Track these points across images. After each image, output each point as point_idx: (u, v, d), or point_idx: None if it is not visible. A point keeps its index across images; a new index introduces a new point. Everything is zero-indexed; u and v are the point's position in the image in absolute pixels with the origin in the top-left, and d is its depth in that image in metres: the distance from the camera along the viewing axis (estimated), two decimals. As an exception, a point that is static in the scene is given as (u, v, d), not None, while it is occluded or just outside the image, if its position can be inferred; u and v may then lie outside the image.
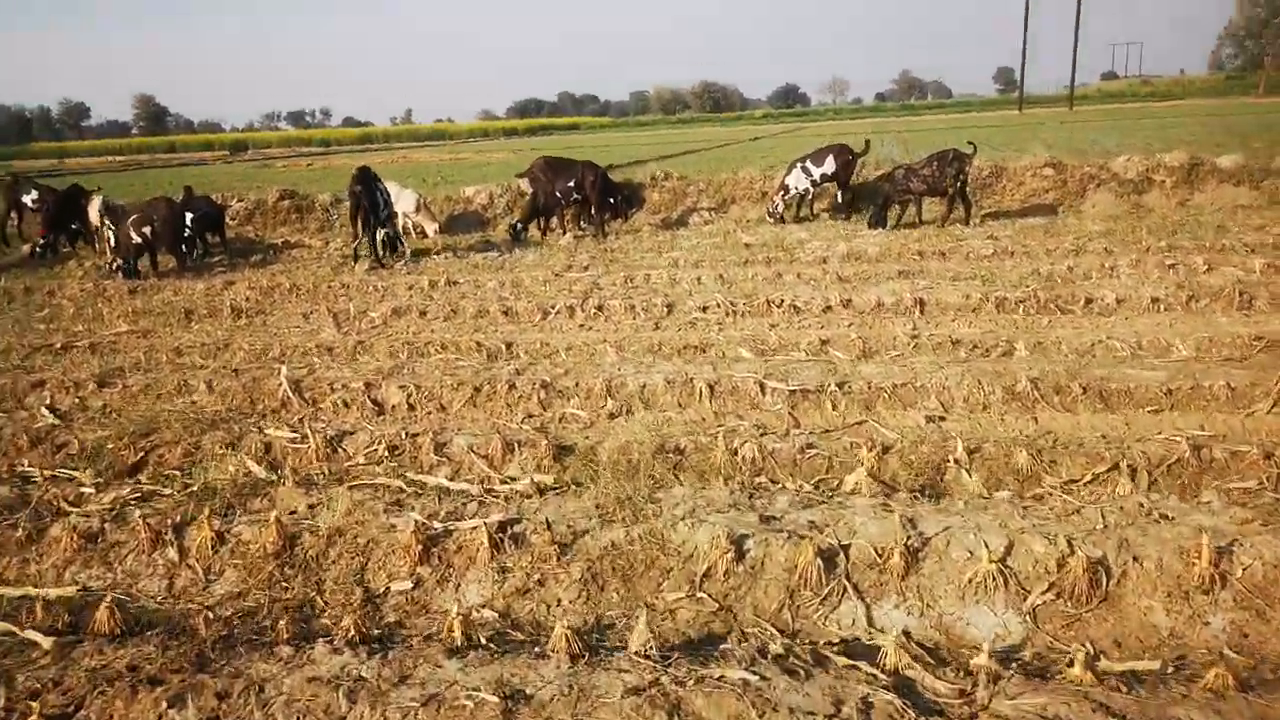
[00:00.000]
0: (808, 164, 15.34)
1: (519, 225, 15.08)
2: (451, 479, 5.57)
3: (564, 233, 15.32)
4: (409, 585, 4.26)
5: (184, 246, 14.31)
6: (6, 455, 6.21)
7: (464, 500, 4.90)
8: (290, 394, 7.22)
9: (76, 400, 7.40)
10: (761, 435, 5.69)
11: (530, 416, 6.49)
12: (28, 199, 16.10)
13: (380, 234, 13.27)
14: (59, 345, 9.17)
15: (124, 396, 7.48)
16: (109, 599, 3.84)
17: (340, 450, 5.97)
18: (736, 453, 5.44)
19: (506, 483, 5.42)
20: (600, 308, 9.75)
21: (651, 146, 40.67)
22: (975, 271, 10.29)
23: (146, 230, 13.04)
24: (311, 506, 4.87)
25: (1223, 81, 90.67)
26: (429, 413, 6.81)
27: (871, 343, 7.74)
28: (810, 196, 15.72)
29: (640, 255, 13.24)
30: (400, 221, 14.59)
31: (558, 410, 6.66)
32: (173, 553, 4.57)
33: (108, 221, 14.09)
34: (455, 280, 11.61)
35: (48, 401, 7.25)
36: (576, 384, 6.95)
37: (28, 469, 5.89)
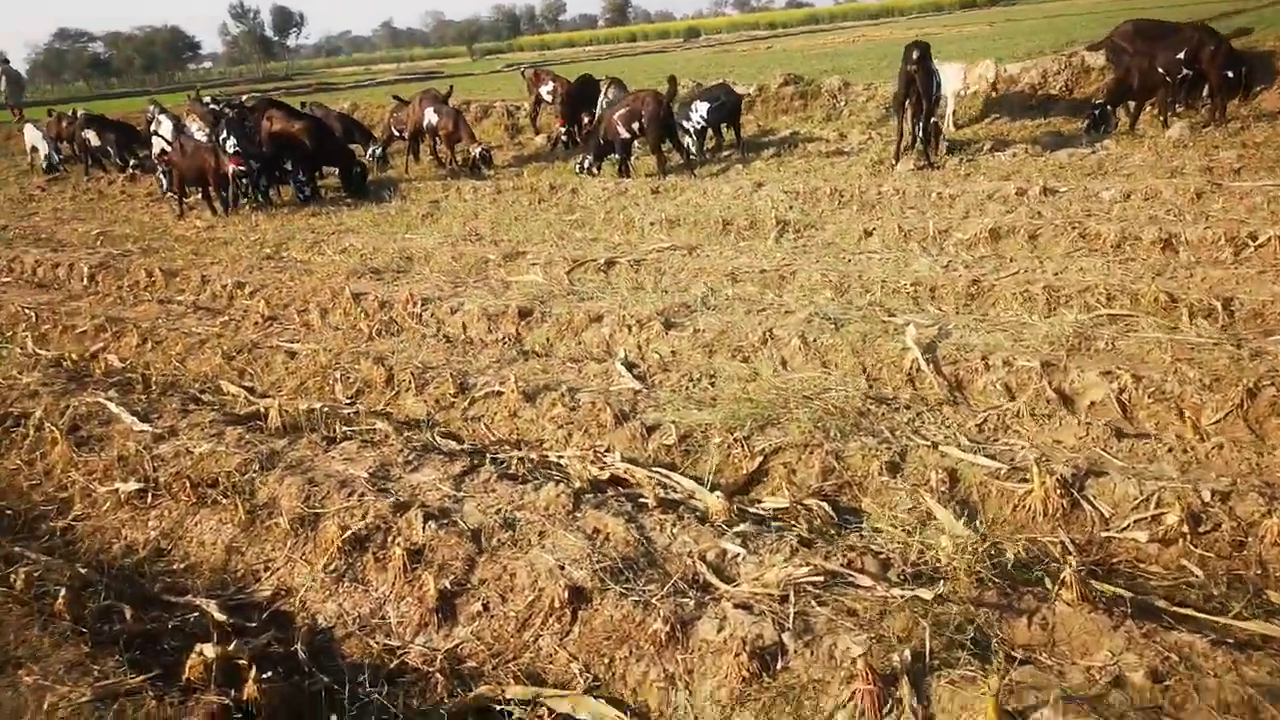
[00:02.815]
0: None
1: (1104, 107, 11.47)
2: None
3: (1165, 122, 11.45)
4: None
5: (694, 140, 12.91)
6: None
7: None
8: (925, 366, 5.03)
9: (643, 344, 5.90)
10: None
11: None
12: (544, 90, 15.80)
13: (930, 124, 10.65)
14: (603, 261, 7.92)
15: (702, 351, 5.83)
16: None
17: (1086, 504, 3.60)
18: None
19: None
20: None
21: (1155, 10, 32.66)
22: None
23: (636, 125, 11.66)
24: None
25: None
26: (1165, 424, 4.19)
27: None
28: None
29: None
30: (949, 106, 11.78)
31: None
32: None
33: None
34: (1052, 188, 8.65)
35: (621, 355, 5.82)
36: None
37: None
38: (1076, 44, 19.91)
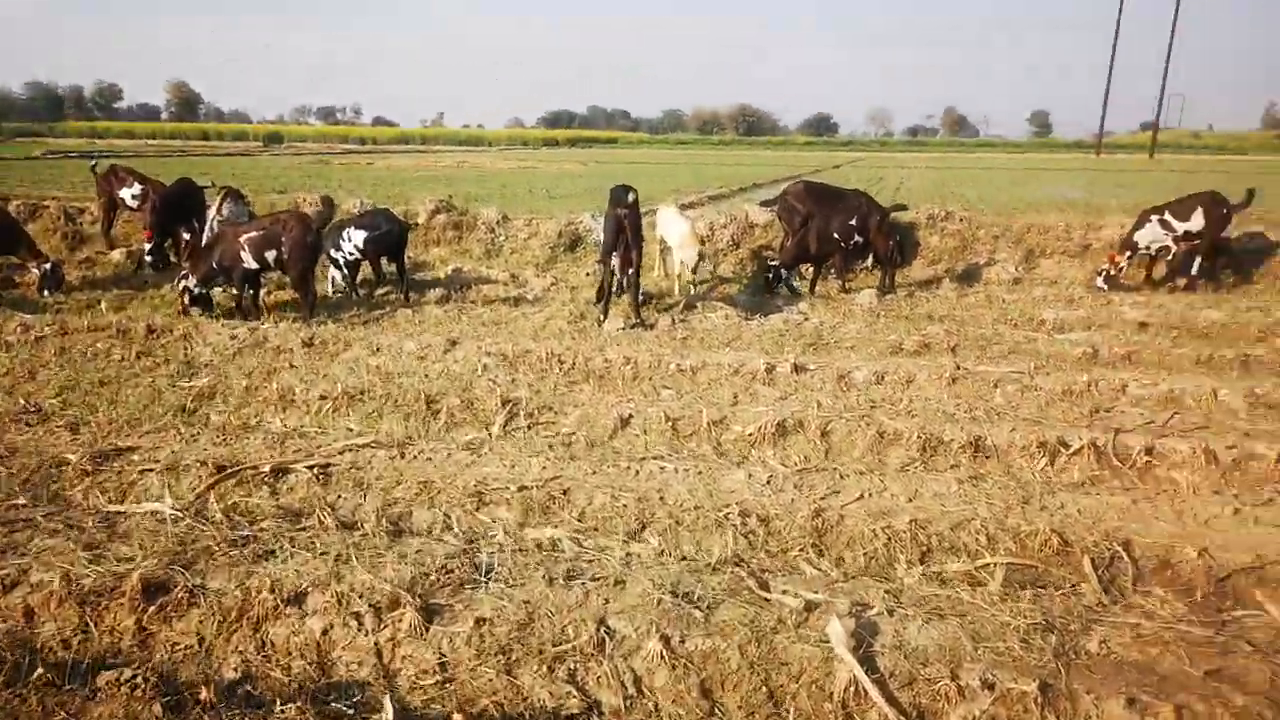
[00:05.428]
0: (1167, 216, 11.50)
1: (783, 271, 11.16)
2: None
3: (843, 287, 11.46)
4: None
5: (344, 274, 10.49)
6: None
7: None
8: (873, 691, 3.32)
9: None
10: None
11: None
12: (127, 193, 12.23)
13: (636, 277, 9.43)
14: (268, 469, 5.28)
15: (495, 662, 3.59)
16: None
17: None
18: None
19: None
20: (1149, 455, 5.87)
21: (721, 168, 36.09)
22: None
23: (272, 254, 9.10)
24: None
25: (1273, 139, 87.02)
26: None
27: None
28: (1170, 257, 11.79)
29: (1001, 329, 9.33)
30: (689, 265, 10.48)
31: None
32: None
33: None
34: (802, 365, 7.70)
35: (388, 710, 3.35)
36: None
37: None
38: (680, 193, 20.49)
